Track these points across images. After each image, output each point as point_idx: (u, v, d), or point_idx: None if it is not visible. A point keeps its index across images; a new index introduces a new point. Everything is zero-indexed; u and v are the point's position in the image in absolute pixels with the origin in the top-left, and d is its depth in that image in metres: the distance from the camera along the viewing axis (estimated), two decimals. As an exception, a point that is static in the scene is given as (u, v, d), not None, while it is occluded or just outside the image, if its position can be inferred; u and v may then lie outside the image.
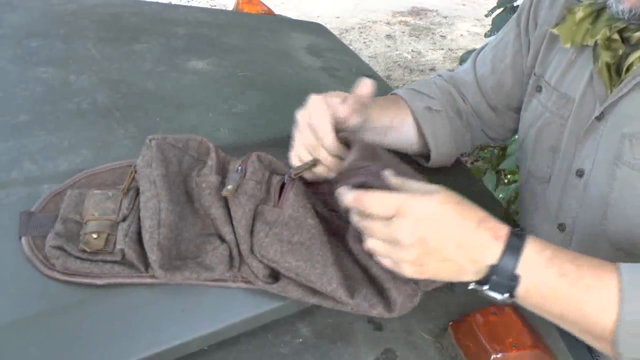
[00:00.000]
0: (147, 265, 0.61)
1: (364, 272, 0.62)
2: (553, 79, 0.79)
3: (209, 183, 0.67)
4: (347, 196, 0.58)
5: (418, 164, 0.91)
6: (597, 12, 0.71)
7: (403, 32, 3.94)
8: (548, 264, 0.54)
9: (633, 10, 0.64)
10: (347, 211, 0.61)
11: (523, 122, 0.86)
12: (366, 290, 0.60)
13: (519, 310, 0.62)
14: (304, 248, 0.60)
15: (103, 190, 0.68)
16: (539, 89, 0.82)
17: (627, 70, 0.67)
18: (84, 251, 0.61)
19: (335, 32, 1.80)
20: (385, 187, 0.59)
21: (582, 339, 0.57)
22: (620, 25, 0.68)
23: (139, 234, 0.63)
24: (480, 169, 2.20)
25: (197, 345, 0.57)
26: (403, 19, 4.16)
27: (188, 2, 3.97)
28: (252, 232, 0.63)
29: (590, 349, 0.78)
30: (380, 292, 0.60)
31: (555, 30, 0.75)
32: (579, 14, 0.72)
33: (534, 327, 0.61)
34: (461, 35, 3.95)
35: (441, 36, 3.92)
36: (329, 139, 0.65)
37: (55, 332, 0.55)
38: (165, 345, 0.55)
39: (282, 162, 0.71)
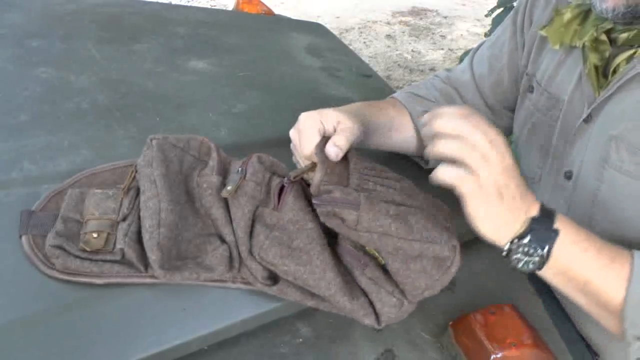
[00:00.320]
0: (146, 265, 0.61)
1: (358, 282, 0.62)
2: (543, 80, 0.79)
3: (210, 183, 0.67)
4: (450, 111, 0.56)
5: (418, 165, 0.91)
6: (585, 14, 0.72)
7: (403, 32, 3.94)
8: (579, 228, 0.58)
9: (616, 10, 0.64)
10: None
11: (516, 122, 0.87)
12: (363, 298, 0.60)
13: (519, 310, 0.62)
14: (303, 253, 0.60)
15: (104, 189, 0.68)
16: (530, 88, 0.82)
17: (614, 72, 0.67)
18: (84, 250, 0.61)
19: (335, 32, 1.80)
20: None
21: (600, 317, 0.59)
22: (607, 26, 0.68)
23: (139, 233, 0.63)
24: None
25: (197, 345, 0.57)
26: (403, 19, 4.16)
27: (188, 2, 3.97)
28: (251, 234, 0.63)
29: (590, 349, 0.78)
30: (371, 303, 0.60)
31: (543, 32, 0.75)
32: (567, 15, 0.72)
33: (534, 327, 0.61)
34: (461, 35, 3.95)
35: (441, 36, 3.92)
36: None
37: (55, 332, 0.55)
38: (166, 345, 0.55)
39: (282, 163, 0.71)
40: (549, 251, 0.56)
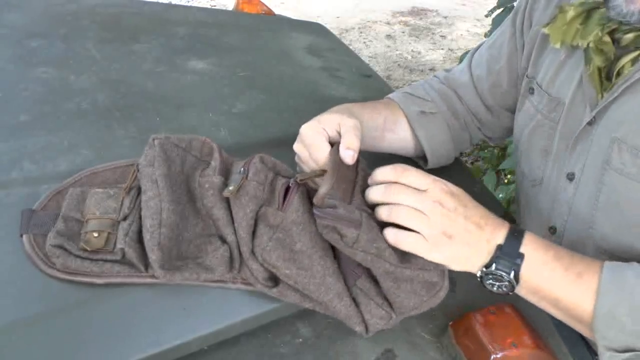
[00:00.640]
0: (147, 265, 0.61)
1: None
2: (544, 82, 0.79)
3: (211, 183, 0.66)
4: (384, 170, 0.61)
5: (418, 165, 0.91)
6: (588, 12, 0.70)
7: (403, 32, 3.94)
8: (547, 248, 0.60)
9: None
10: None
11: (517, 124, 0.86)
12: (357, 307, 0.60)
13: (519, 310, 0.62)
14: (305, 257, 0.60)
15: (105, 189, 0.68)
16: (531, 90, 0.81)
17: (618, 74, 0.66)
18: (84, 250, 0.61)
19: (335, 32, 1.80)
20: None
21: (577, 329, 0.60)
22: (613, 25, 0.66)
23: (139, 233, 0.63)
24: (480, 169, 2.20)
25: (197, 345, 0.57)
26: (403, 19, 4.16)
27: (188, 2, 3.97)
28: (254, 234, 0.63)
29: (590, 349, 0.78)
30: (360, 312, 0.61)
31: (545, 30, 0.74)
32: (570, 13, 0.71)
33: (534, 327, 0.61)
34: (461, 35, 3.95)
35: (441, 36, 3.92)
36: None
37: (55, 332, 0.55)
38: (166, 345, 0.55)
39: (285, 163, 0.71)
40: (516, 275, 0.59)
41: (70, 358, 0.53)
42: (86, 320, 0.56)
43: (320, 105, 0.88)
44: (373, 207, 0.62)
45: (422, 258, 0.59)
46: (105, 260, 0.61)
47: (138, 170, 0.68)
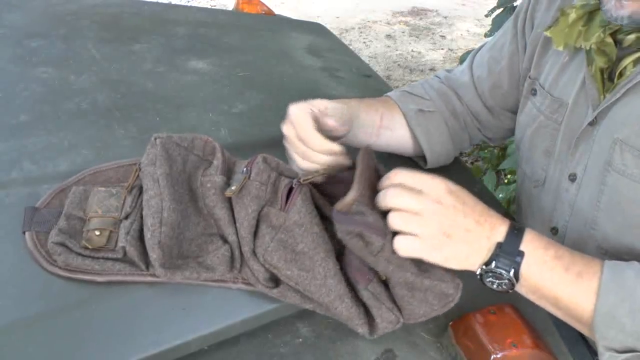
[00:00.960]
0: (147, 263, 0.61)
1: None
2: (547, 83, 0.79)
3: (213, 183, 0.66)
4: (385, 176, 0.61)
5: (417, 165, 0.91)
6: (590, 14, 0.70)
7: (403, 32, 3.94)
8: (547, 246, 0.59)
9: (633, 17, 0.63)
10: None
11: (519, 124, 0.86)
12: (361, 308, 0.60)
13: (519, 310, 0.62)
14: (306, 258, 0.60)
15: (107, 187, 0.68)
16: (533, 92, 0.81)
17: (620, 75, 0.66)
18: (86, 248, 0.61)
19: (335, 32, 1.80)
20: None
21: (578, 329, 0.60)
22: (615, 27, 0.66)
23: (141, 232, 0.63)
24: (480, 169, 2.20)
25: (197, 345, 0.57)
26: (403, 19, 4.16)
27: (188, 2, 3.97)
28: (256, 234, 0.63)
29: (590, 349, 0.78)
30: (367, 313, 0.60)
31: (548, 33, 0.74)
32: (572, 15, 0.71)
33: (534, 327, 0.61)
34: (461, 35, 3.95)
35: (441, 36, 3.92)
36: (316, 142, 0.67)
37: (55, 332, 0.55)
38: (166, 345, 0.55)
39: (288, 164, 0.71)
40: (515, 273, 0.58)
41: (70, 358, 0.53)
42: (86, 320, 0.56)
43: (320, 105, 0.87)
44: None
45: (440, 269, 0.59)
46: (107, 259, 0.61)
47: (140, 169, 0.68)
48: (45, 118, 0.86)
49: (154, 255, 0.59)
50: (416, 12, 4.29)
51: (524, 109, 0.84)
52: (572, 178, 0.74)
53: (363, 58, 1.85)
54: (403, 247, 0.57)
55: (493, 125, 0.92)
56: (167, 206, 0.62)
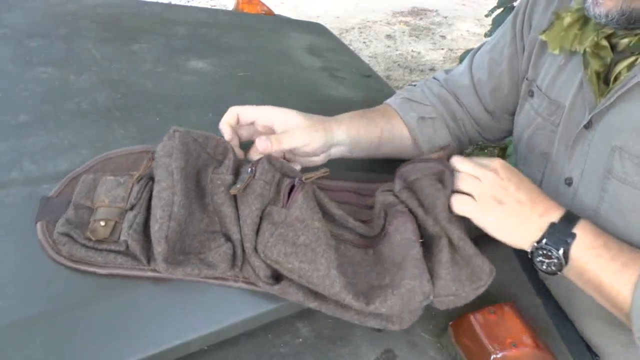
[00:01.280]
0: (149, 258, 0.61)
1: (370, 283, 0.62)
2: (544, 85, 0.78)
3: (223, 181, 0.67)
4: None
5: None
6: (585, 18, 0.70)
7: (403, 32, 3.94)
8: (598, 235, 0.62)
9: (609, 15, 0.63)
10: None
11: (517, 125, 0.85)
12: (370, 299, 0.59)
13: (519, 310, 0.62)
14: (308, 250, 0.60)
15: (115, 176, 0.69)
16: (531, 93, 0.81)
17: (615, 79, 0.66)
18: (89, 239, 0.62)
19: (335, 32, 1.80)
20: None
21: (620, 318, 0.62)
22: (608, 30, 0.66)
23: (144, 225, 0.63)
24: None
25: (197, 345, 0.57)
26: (403, 19, 4.16)
27: (188, 2, 3.97)
28: (258, 232, 0.63)
29: (590, 349, 0.78)
30: (383, 304, 0.59)
31: (543, 37, 0.74)
32: (567, 19, 0.71)
33: (534, 327, 0.61)
34: (461, 35, 3.95)
35: (441, 36, 3.91)
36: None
37: (55, 332, 0.55)
38: (166, 345, 0.55)
39: (293, 165, 0.72)
40: (565, 254, 0.61)
41: (70, 358, 0.53)
42: (86, 320, 0.56)
43: (320, 105, 0.88)
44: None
45: (480, 256, 0.62)
46: (110, 251, 0.61)
47: (153, 159, 0.68)
48: (45, 118, 0.86)
49: (159, 248, 0.59)
50: (416, 12, 4.29)
51: (522, 110, 0.83)
52: (569, 182, 0.73)
53: (363, 58, 1.85)
54: (457, 202, 0.64)
55: (493, 128, 0.91)
56: (178, 201, 0.62)
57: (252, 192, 0.65)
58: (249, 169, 0.67)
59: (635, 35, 0.64)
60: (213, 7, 3.69)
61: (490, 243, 0.66)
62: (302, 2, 4.22)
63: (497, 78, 0.87)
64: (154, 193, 0.63)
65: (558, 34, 0.72)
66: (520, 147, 0.85)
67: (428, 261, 0.62)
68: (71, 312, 0.57)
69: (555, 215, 0.63)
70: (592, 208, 0.69)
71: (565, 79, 0.75)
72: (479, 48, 0.93)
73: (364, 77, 1.20)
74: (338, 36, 1.58)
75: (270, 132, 0.75)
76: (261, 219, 0.64)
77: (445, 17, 4.22)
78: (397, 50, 3.67)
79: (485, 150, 2.26)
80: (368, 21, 4.06)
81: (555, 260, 0.61)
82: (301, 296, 0.60)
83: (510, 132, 0.92)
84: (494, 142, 0.96)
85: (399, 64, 3.48)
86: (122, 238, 0.62)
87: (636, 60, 0.64)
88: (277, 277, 0.62)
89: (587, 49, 0.68)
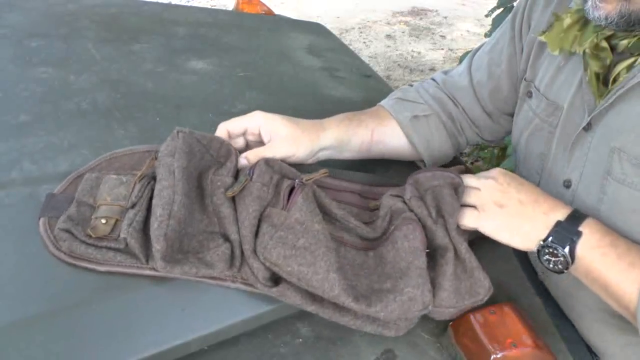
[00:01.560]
0: (148, 256, 0.61)
1: (370, 285, 0.62)
2: (542, 85, 0.78)
3: (223, 182, 0.67)
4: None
5: (417, 167, 0.91)
6: (585, 19, 0.70)
7: (403, 32, 3.94)
8: (606, 233, 0.62)
9: (609, 17, 0.63)
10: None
11: (516, 126, 0.85)
12: (370, 301, 0.59)
13: (518, 310, 0.62)
14: (307, 252, 0.60)
15: (119, 175, 0.69)
16: (529, 94, 0.80)
17: (615, 80, 0.66)
18: (90, 236, 0.62)
19: (335, 32, 1.80)
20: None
21: (627, 318, 0.62)
22: (607, 32, 0.66)
23: (144, 223, 0.63)
24: (480, 169, 2.20)
25: (197, 345, 0.57)
26: (403, 19, 4.16)
27: (188, 2, 3.97)
28: (257, 234, 0.63)
29: (590, 350, 0.78)
30: (383, 309, 0.59)
31: (543, 38, 0.74)
32: (567, 20, 0.71)
33: (534, 327, 0.61)
34: (461, 35, 3.95)
35: (441, 36, 3.91)
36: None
37: (54, 332, 0.55)
38: (166, 345, 0.55)
39: (291, 166, 0.72)
40: (571, 252, 0.61)
41: (70, 358, 0.53)
42: (85, 321, 0.56)
43: (320, 105, 0.88)
44: None
45: (482, 271, 0.63)
46: (109, 248, 0.61)
47: (156, 158, 0.68)
48: (45, 118, 0.86)
49: (157, 246, 0.59)
50: (416, 12, 4.29)
51: (520, 111, 0.83)
52: (567, 184, 0.73)
53: (363, 58, 1.85)
54: (462, 215, 0.65)
55: (492, 129, 0.91)
56: (179, 200, 0.63)
57: (250, 195, 0.65)
58: (247, 171, 0.68)
59: (635, 36, 0.64)
60: (213, 7, 3.69)
61: (490, 243, 0.66)
62: (302, 2, 4.22)
63: (496, 79, 0.86)
64: (155, 192, 0.64)
65: (558, 35, 0.72)
66: (519, 147, 0.84)
67: (431, 271, 0.62)
68: (71, 312, 0.57)
69: (561, 213, 0.63)
70: (592, 210, 0.69)
71: (564, 80, 0.75)
72: (478, 49, 0.92)
73: (364, 77, 1.20)
74: (338, 36, 1.58)
75: (260, 139, 0.76)
76: (260, 220, 0.64)
77: (445, 17, 4.22)
78: (397, 50, 3.67)
79: (486, 151, 2.26)
80: (368, 21, 4.06)
81: (562, 259, 0.61)
82: (299, 299, 0.60)
83: (509, 132, 0.92)
84: (493, 142, 0.96)
85: (399, 64, 3.48)
86: (122, 236, 0.62)
87: (635, 61, 0.64)
88: (275, 279, 0.62)
89: (587, 50, 0.68)
